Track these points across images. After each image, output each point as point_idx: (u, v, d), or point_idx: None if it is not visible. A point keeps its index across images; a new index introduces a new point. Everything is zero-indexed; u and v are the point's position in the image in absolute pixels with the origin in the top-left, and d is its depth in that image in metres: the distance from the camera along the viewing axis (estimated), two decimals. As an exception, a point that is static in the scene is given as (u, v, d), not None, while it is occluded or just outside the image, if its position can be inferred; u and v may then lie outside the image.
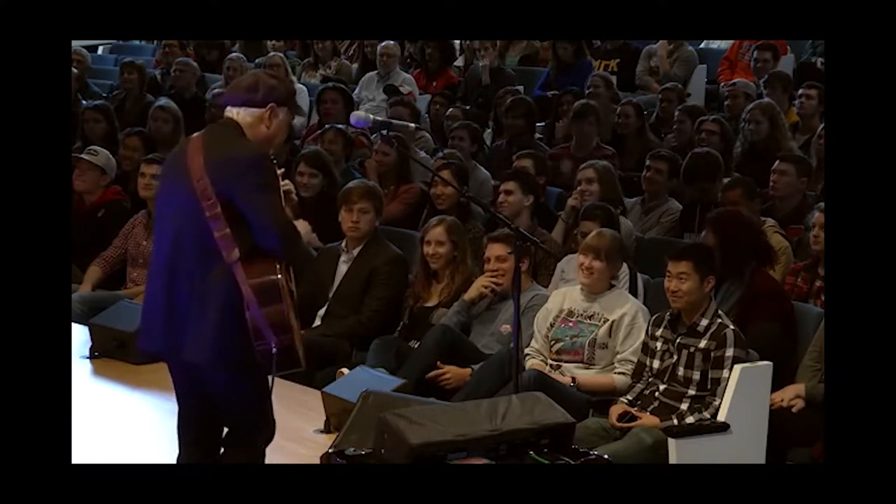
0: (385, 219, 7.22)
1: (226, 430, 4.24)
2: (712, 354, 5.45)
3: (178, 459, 4.31)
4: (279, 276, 4.02)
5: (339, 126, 8.62)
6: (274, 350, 3.98)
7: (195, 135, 4.23)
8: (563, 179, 8.29)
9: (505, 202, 7.01)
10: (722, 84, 10.49)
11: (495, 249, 6.29)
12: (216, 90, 9.97)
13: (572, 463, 4.30)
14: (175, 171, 4.16)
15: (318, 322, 6.71)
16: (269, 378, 4.05)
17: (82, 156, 8.00)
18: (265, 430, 4.23)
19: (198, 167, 4.04)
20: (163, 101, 9.64)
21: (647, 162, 7.76)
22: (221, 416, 4.20)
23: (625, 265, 6.31)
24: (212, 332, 4.01)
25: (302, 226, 4.41)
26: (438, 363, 6.11)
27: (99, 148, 8.26)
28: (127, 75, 10.68)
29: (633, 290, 6.27)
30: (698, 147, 8.02)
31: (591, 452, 4.49)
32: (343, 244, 6.88)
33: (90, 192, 7.96)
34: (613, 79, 10.29)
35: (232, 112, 4.18)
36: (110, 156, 8.21)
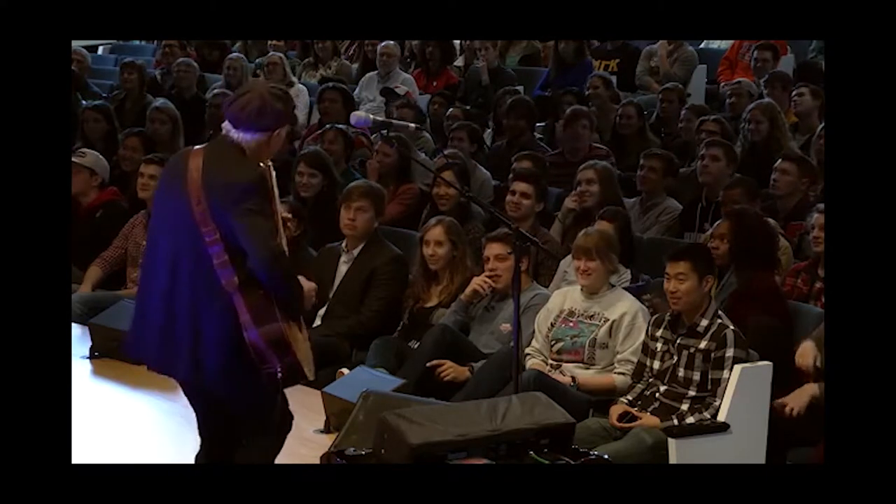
0: (384, 220, 7.21)
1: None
2: (712, 355, 5.44)
3: (197, 457, 4.33)
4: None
5: (340, 126, 8.62)
6: (279, 375, 4.02)
7: (196, 150, 4.19)
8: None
9: (520, 204, 6.95)
10: (723, 83, 10.49)
11: (494, 249, 6.29)
12: (216, 90, 9.97)
13: (572, 463, 4.30)
14: (173, 187, 4.14)
15: (318, 322, 6.71)
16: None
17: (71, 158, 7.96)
18: (279, 422, 4.23)
19: (196, 189, 4.04)
20: (159, 101, 9.63)
21: (641, 161, 7.76)
22: (235, 422, 4.22)
23: (627, 271, 6.31)
24: (217, 358, 4.03)
25: (303, 282, 4.33)
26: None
27: (88, 150, 8.22)
28: (127, 75, 10.67)
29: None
30: (699, 146, 8.01)
31: (591, 452, 4.49)
32: (343, 244, 6.87)
33: (83, 193, 7.91)
34: (613, 79, 10.29)
35: (235, 135, 4.13)
36: (100, 156, 8.17)
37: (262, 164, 4.14)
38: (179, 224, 4.07)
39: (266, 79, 10.62)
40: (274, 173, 4.26)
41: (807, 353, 5.63)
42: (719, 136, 8.18)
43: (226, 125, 4.17)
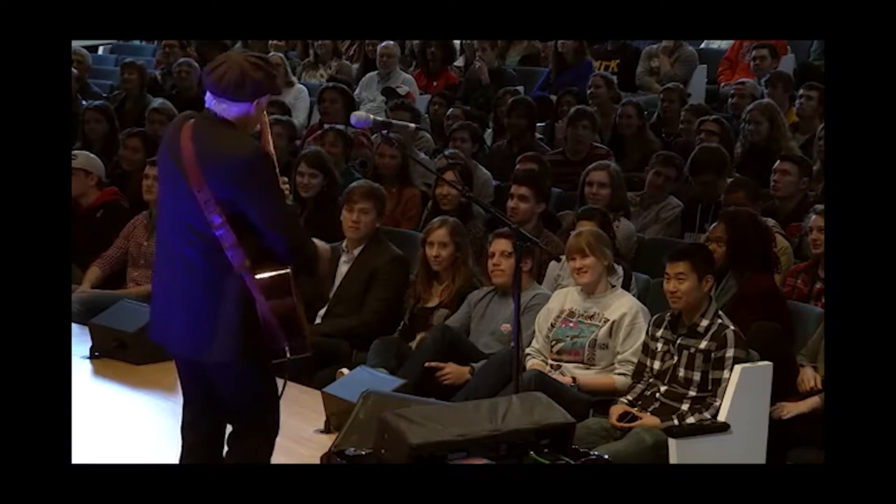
0: (385, 222, 7.21)
1: (230, 428, 4.24)
2: (713, 355, 5.44)
3: (181, 460, 4.31)
4: (288, 270, 4.03)
5: (340, 127, 8.62)
6: (288, 355, 4.02)
7: (186, 127, 4.11)
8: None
9: (518, 208, 6.88)
10: (724, 83, 10.48)
11: (500, 245, 6.25)
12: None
13: (572, 463, 4.30)
14: (171, 167, 4.09)
15: (318, 322, 6.71)
16: (281, 383, 4.11)
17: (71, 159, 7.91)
18: (272, 424, 4.22)
19: (195, 175, 3.98)
20: (158, 102, 9.64)
21: (656, 167, 7.71)
22: (228, 412, 4.20)
23: (619, 268, 6.31)
24: (230, 333, 4.01)
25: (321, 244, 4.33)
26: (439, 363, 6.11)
27: (77, 151, 8.19)
28: (127, 75, 10.68)
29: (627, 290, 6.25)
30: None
31: (591, 452, 4.49)
32: (344, 244, 6.87)
33: (82, 194, 7.89)
34: (614, 78, 10.29)
35: (219, 109, 4.08)
36: (91, 155, 8.15)
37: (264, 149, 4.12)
38: (185, 209, 4.03)
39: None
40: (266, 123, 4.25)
41: (806, 379, 5.64)
42: (718, 137, 8.18)
43: (208, 98, 4.11)
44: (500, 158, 8.78)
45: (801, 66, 10.39)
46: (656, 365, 5.62)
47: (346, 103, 9.44)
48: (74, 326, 6.04)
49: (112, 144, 9.08)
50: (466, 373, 6.05)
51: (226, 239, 3.97)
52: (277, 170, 4.13)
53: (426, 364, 6.06)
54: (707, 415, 5.38)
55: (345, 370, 6.07)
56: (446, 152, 8.12)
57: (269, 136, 4.27)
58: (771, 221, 6.78)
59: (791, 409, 5.52)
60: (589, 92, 9.75)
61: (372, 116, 5.32)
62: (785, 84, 9.34)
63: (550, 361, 5.98)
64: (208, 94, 4.12)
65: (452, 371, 6.06)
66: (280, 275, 4.01)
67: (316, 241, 4.27)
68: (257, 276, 3.98)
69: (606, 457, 4.58)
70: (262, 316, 3.99)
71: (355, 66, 11.81)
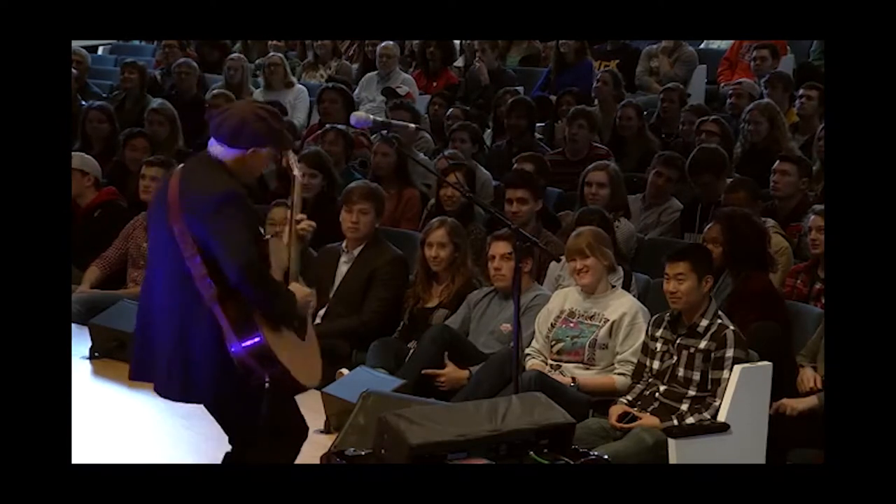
0: (388, 225, 7.21)
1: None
2: (712, 355, 5.44)
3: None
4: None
5: (340, 126, 8.63)
6: (267, 384, 4.01)
7: (179, 168, 4.22)
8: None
9: (519, 211, 6.86)
10: (723, 84, 10.48)
11: (500, 248, 6.26)
12: (216, 90, 9.97)
13: (572, 463, 4.31)
14: (159, 209, 4.15)
15: (318, 322, 6.71)
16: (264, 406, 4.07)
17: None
18: (294, 435, 4.24)
19: (175, 207, 4.05)
20: (157, 103, 9.64)
21: (658, 168, 7.71)
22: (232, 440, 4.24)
23: (620, 268, 6.30)
24: (205, 375, 4.05)
25: (298, 290, 4.24)
26: (446, 360, 6.10)
27: (72, 152, 8.20)
28: (127, 75, 10.67)
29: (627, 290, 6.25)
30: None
31: (591, 452, 4.50)
32: (343, 245, 6.87)
33: (79, 195, 7.87)
34: (620, 76, 10.27)
35: (213, 149, 4.14)
36: (85, 156, 8.15)
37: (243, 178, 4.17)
38: (166, 243, 4.09)
39: (267, 79, 10.65)
40: (299, 181, 4.29)
41: (806, 379, 5.65)
42: (718, 137, 8.18)
43: (210, 139, 4.18)
44: (500, 159, 8.77)
45: (801, 66, 10.38)
46: (656, 365, 5.62)
47: (346, 103, 9.45)
48: (74, 326, 6.04)
49: (112, 145, 9.07)
50: (464, 377, 6.04)
51: (196, 268, 4.01)
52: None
53: (423, 371, 6.05)
54: (707, 415, 5.39)
55: (344, 370, 6.07)
56: (446, 153, 8.12)
57: (298, 182, 4.31)
58: (770, 221, 6.78)
59: (794, 405, 5.51)
60: (595, 86, 9.75)
61: (372, 116, 5.33)
62: (785, 84, 9.34)
63: (550, 361, 5.98)
64: (211, 136, 4.19)
65: (448, 377, 6.06)
66: (248, 310, 4.00)
67: (295, 284, 4.23)
68: (226, 312, 3.98)
69: (606, 457, 4.59)
70: (234, 354, 3.99)
71: (355, 66, 11.80)
